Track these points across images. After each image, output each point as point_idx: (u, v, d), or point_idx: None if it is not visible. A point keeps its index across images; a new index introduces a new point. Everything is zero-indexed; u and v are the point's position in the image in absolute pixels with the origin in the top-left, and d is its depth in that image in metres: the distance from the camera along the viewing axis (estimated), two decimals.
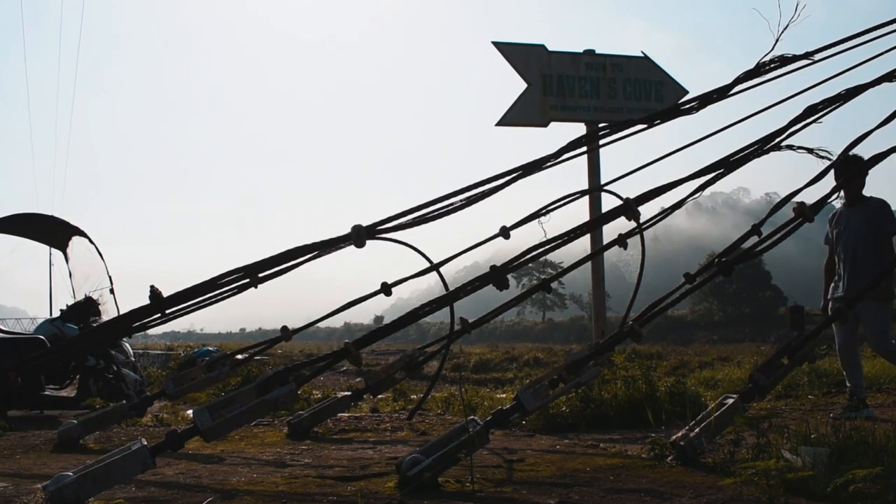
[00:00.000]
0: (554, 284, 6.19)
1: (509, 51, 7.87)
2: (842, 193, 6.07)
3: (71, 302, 9.10)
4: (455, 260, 5.30)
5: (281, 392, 3.83)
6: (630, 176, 5.61)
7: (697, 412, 4.48)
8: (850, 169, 5.46)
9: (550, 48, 7.95)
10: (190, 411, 6.51)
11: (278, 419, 6.23)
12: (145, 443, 3.35)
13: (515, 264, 4.48)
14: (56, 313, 9.26)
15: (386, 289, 5.06)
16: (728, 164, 4.68)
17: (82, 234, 9.30)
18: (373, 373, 5.89)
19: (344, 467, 4.03)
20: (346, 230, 4.18)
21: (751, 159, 4.76)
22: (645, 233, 5.25)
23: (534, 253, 4.50)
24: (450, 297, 4.22)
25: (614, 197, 5.38)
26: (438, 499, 3.19)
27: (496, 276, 4.25)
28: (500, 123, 7.77)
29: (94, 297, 8.98)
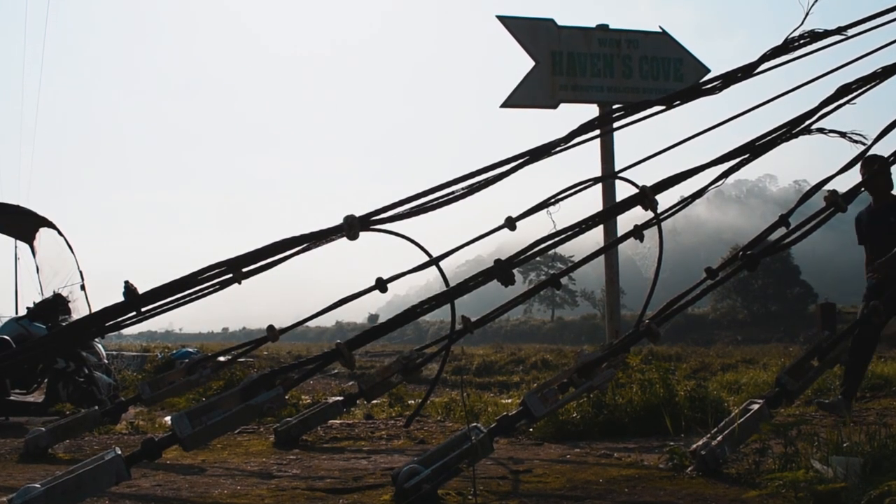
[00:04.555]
0: (564, 280, 6.19)
1: (515, 25, 7.86)
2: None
3: (38, 299, 9.10)
4: (456, 254, 5.30)
5: (267, 397, 3.83)
6: (647, 162, 5.61)
7: (720, 419, 4.48)
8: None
9: (560, 23, 7.93)
10: (168, 418, 6.52)
11: (264, 426, 6.25)
12: (119, 452, 3.36)
13: (522, 258, 4.48)
14: (22, 311, 9.27)
15: (381, 285, 5.06)
16: (753, 149, 4.68)
17: (51, 225, 9.30)
18: (367, 376, 5.89)
19: (335, 479, 4.04)
20: (338, 221, 4.18)
21: (778, 144, 4.76)
22: (663, 224, 5.25)
23: (542, 246, 4.50)
24: (450, 294, 4.22)
25: (629, 185, 5.37)
26: None
27: (501, 270, 4.24)
28: (506, 104, 7.76)
29: (64, 293, 8.99)
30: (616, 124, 5.25)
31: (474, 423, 3.84)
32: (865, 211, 6.57)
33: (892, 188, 6.40)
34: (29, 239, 9.99)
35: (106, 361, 9.24)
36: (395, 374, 5.64)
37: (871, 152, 5.37)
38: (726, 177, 5.02)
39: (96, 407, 6.06)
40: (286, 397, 4.32)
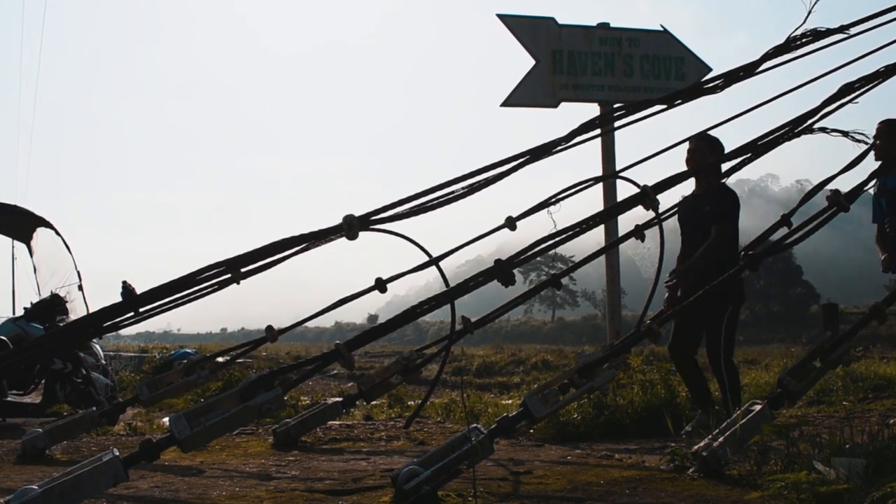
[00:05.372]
0: (564, 280, 6.17)
1: (515, 24, 7.87)
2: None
3: (36, 299, 9.10)
4: (456, 254, 5.30)
5: (266, 398, 3.83)
6: (648, 161, 5.61)
7: (721, 420, 4.49)
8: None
9: (560, 21, 7.94)
10: (166, 419, 6.51)
11: (263, 427, 6.24)
12: (117, 453, 3.36)
13: (522, 258, 4.48)
14: (19, 312, 9.27)
15: (381, 285, 5.07)
16: (755, 149, 4.68)
17: (48, 224, 9.31)
18: (366, 377, 5.89)
19: (335, 480, 4.04)
20: (337, 221, 4.18)
21: (780, 143, 4.76)
22: (664, 224, 5.26)
23: (542, 246, 4.50)
24: (450, 294, 4.22)
25: (631, 184, 5.37)
26: None
27: (501, 270, 4.24)
28: (506, 104, 7.77)
29: (61, 294, 8.99)
30: (617, 123, 5.25)
31: (474, 425, 3.85)
32: (689, 196, 5.93)
33: (718, 174, 5.69)
34: (26, 239, 9.99)
35: (104, 362, 9.24)
36: (394, 375, 5.64)
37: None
38: (728, 176, 5.03)
39: (94, 408, 6.06)
40: (285, 398, 4.32)
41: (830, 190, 4.75)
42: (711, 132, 5.62)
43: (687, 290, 5.41)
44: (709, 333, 5.68)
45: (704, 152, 5.65)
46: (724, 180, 5.65)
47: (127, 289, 4.09)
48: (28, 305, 8.91)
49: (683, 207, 5.82)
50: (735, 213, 5.73)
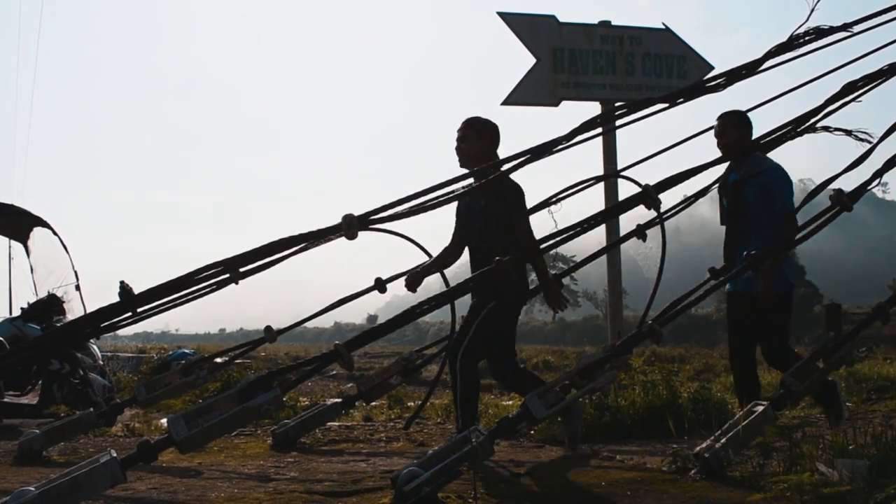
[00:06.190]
0: (566, 280, 6.12)
1: (516, 22, 7.87)
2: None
3: (33, 299, 9.09)
4: None
5: (264, 399, 3.83)
6: (650, 160, 5.61)
7: (723, 421, 4.48)
8: None
9: (562, 19, 7.95)
10: (164, 420, 6.52)
11: (262, 428, 6.24)
12: (115, 455, 3.36)
13: (522, 258, 4.48)
14: (16, 312, 9.26)
15: (380, 285, 5.07)
16: (757, 148, 4.68)
17: (45, 224, 9.30)
18: (366, 377, 5.90)
19: (334, 481, 4.03)
20: (337, 220, 4.18)
21: (783, 142, 4.77)
22: (666, 223, 5.25)
23: (543, 245, 4.50)
24: (450, 294, 4.22)
25: (632, 183, 5.37)
26: None
27: (502, 270, 4.24)
28: (507, 102, 7.77)
29: (59, 294, 8.99)
30: (619, 122, 5.24)
31: (475, 426, 3.85)
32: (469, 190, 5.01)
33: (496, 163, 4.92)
34: (23, 238, 9.98)
35: (101, 363, 9.24)
36: (394, 376, 5.64)
37: (876, 151, 5.37)
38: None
39: (91, 409, 6.05)
40: (284, 399, 4.31)
41: (833, 189, 4.76)
42: (713, 132, 5.60)
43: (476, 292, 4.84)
44: (462, 327, 4.91)
45: (471, 142, 4.98)
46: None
47: (124, 289, 4.08)
48: (25, 306, 8.91)
49: (460, 204, 5.07)
50: (512, 208, 4.89)
